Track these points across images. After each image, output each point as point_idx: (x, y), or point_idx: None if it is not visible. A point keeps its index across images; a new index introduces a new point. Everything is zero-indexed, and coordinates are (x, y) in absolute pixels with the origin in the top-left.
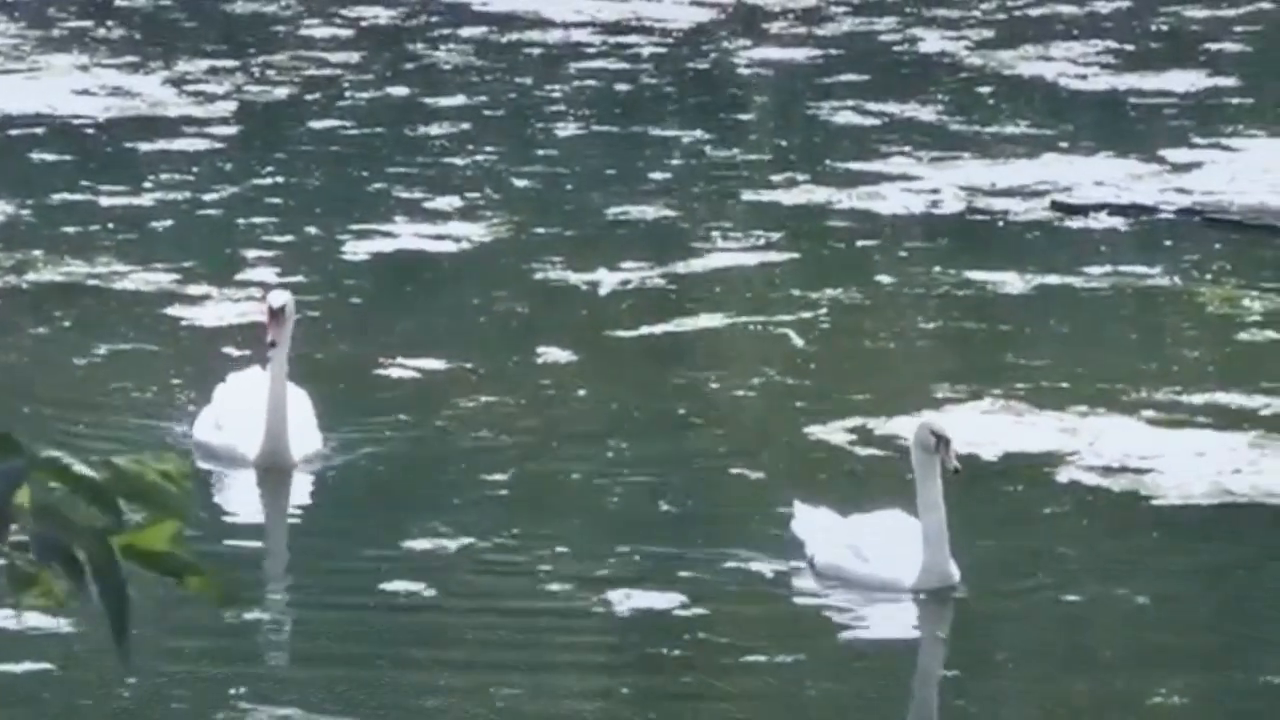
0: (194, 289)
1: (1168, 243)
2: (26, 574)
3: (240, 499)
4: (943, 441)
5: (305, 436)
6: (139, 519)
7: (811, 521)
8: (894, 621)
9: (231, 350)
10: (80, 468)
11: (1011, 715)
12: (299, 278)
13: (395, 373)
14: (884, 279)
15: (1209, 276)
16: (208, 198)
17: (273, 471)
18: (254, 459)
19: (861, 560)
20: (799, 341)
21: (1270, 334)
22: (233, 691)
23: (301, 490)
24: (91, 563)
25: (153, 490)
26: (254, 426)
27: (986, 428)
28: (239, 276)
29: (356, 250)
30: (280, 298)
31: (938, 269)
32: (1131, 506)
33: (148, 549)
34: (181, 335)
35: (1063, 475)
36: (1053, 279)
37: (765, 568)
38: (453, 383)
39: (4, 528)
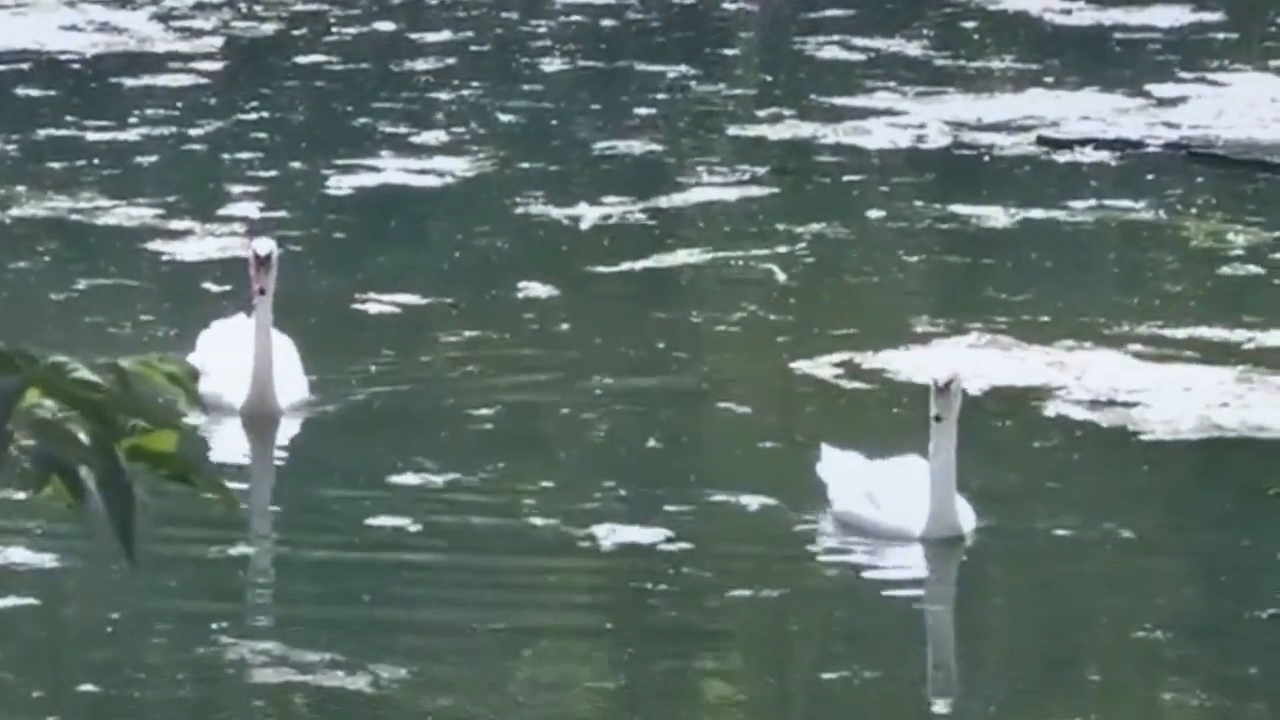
0: (177, 224)
1: (1154, 177)
2: (39, 476)
3: (226, 446)
4: (940, 390)
5: (291, 384)
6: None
7: (836, 465)
8: (872, 555)
9: (211, 285)
10: (84, 373)
11: (992, 652)
12: (282, 213)
13: (376, 308)
14: (870, 214)
15: (1194, 211)
16: (193, 133)
17: (258, 419)
18: (240, 407)
19: (874, 507)
20: (784, 276)
21: (1254, 268)
22: (214, 626)
23: (287, 434)
24: (95, 470)
25: (149, 407)
26: (239, 374)
27: (974, 362)
28: (222, 211)
29: (340, 185)
30: (266, 245)
31: (924, 203)
32: (1119, 441)
33: (155, 450)
34: (163, 270)
35: (1050, 409)
36: (1039, 213)
37: (751, 502)
38: (435, 318)
39: (4, 446)
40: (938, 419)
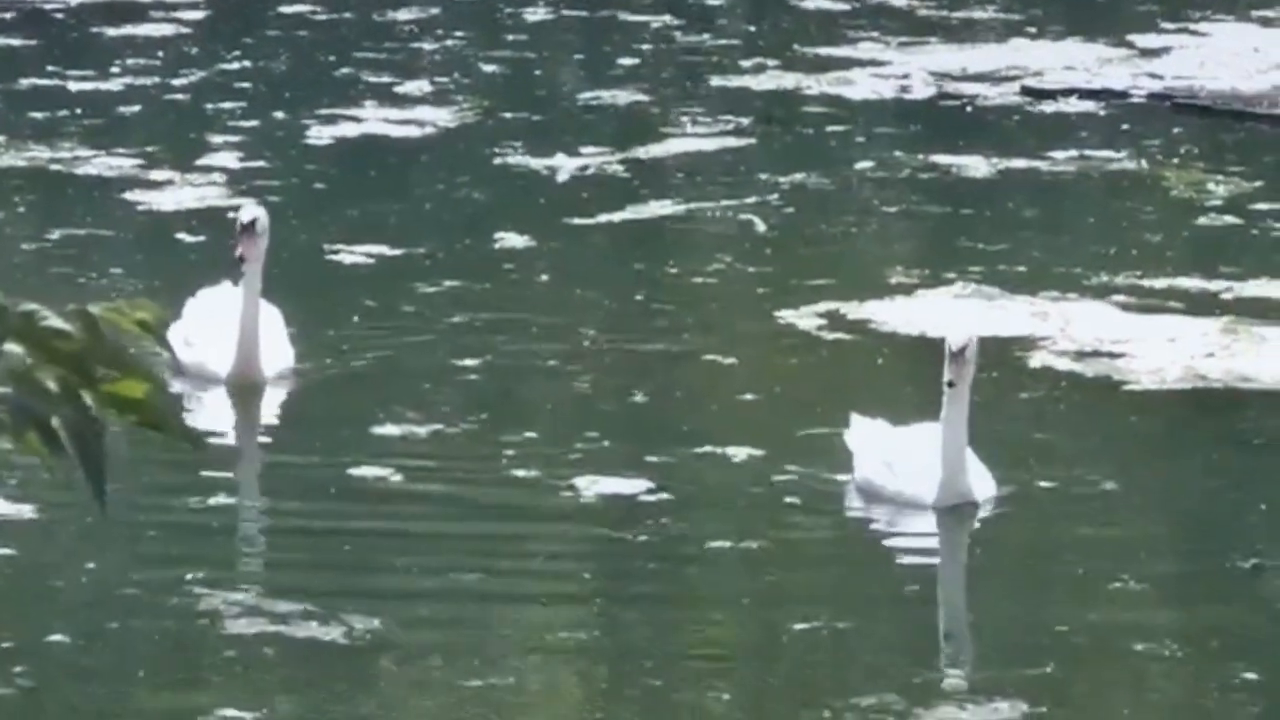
0: (156, 174)
1: (1137, 127)
2: (16, 427)
3: (210, 411)
4: (953, 356)
5: (277, 353)
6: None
7: (862, 434)
8: (852, 509)
9: (186, 236)
10: (55, 321)
11: (974, 602)
12: (262, 163)
13: (352, 259)
14: (854, 164)
15: (1176, 161)
16: (175, 83)
17: (243, 388)
18: (225, 376)
19: (891, 474)
20: (767, 227)
21: (1235, 219)
22: (190, 577)
23: (272, 399)
24: (65, 419)
25: (121, 355)
26: (225, 343)
27: (959, 312)
28: (201, 162)
29: (321, 135)
30: (251, 212)
31: (907, 154)
32: (1106, 391)
33: (123, 395)
34: (138, 220)
35: (1036, 360)
36: (1024, 163)
37: (733, 454)
38: (412, 269)
39: None
40: (950, 385)
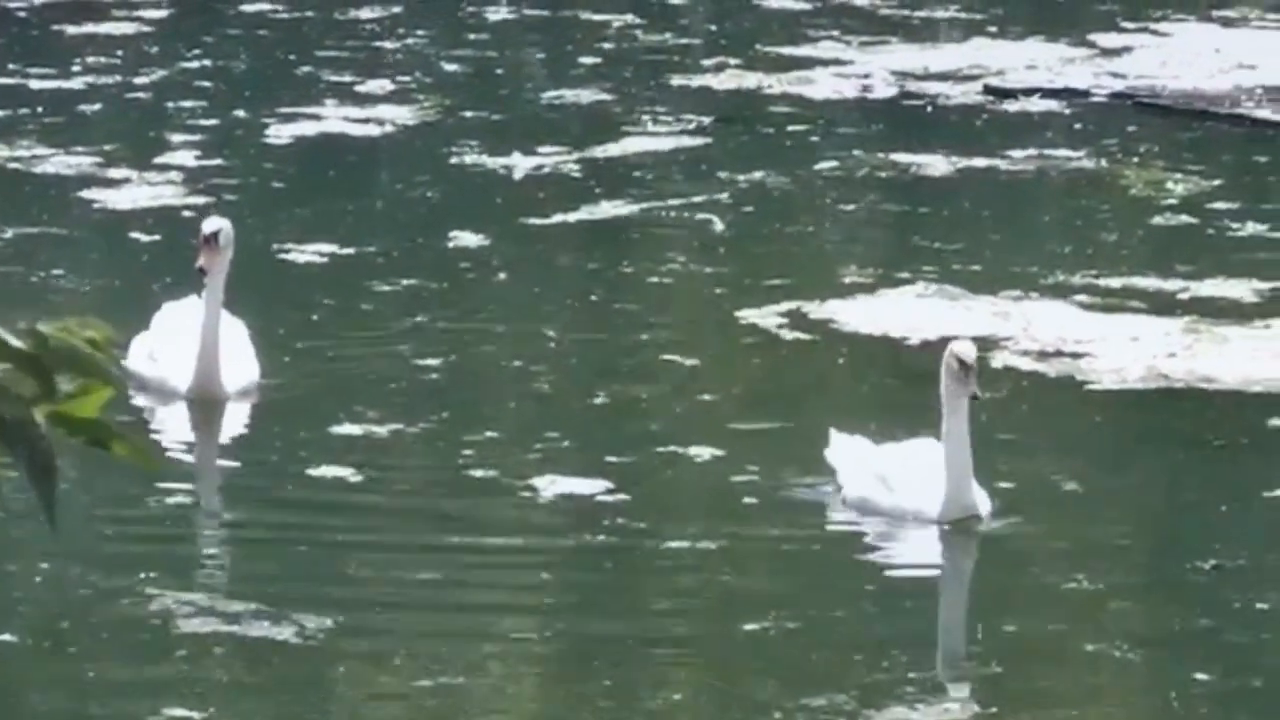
0: (114, 172)
1: (1100, 127)
2: None
3: (170, 426)
4: (967, 369)
5: (240, 367)
6: (70, 389)
7: (845, 450)
8: (810, 510)
9: (141, 235)
10: (7, 337)
11: (928, 602)
12: (220, 161)
13: (305, 258)
14: (817, 164)
15: (1136, 160)
16: (136, 81)
17: (205, 403)
18: (185, 390)
19: (888, 490)
20: (728, 227)
21: (1194, 218)
22: (142, 576)
23: (235, 410)
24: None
25: (84, 359)
26: (187, 357)
27: (922, 312)
28: (159, 160)
29: (281, 134)
30: (214, 224)
31: (869, 153)
32: (1068, 391)
33: (74, 416)
34: (95, 218)
35: (998, 360)
36: (984, 163)
37: (692, 454)
38: (367, 268)
39: None
40: (975, 398)
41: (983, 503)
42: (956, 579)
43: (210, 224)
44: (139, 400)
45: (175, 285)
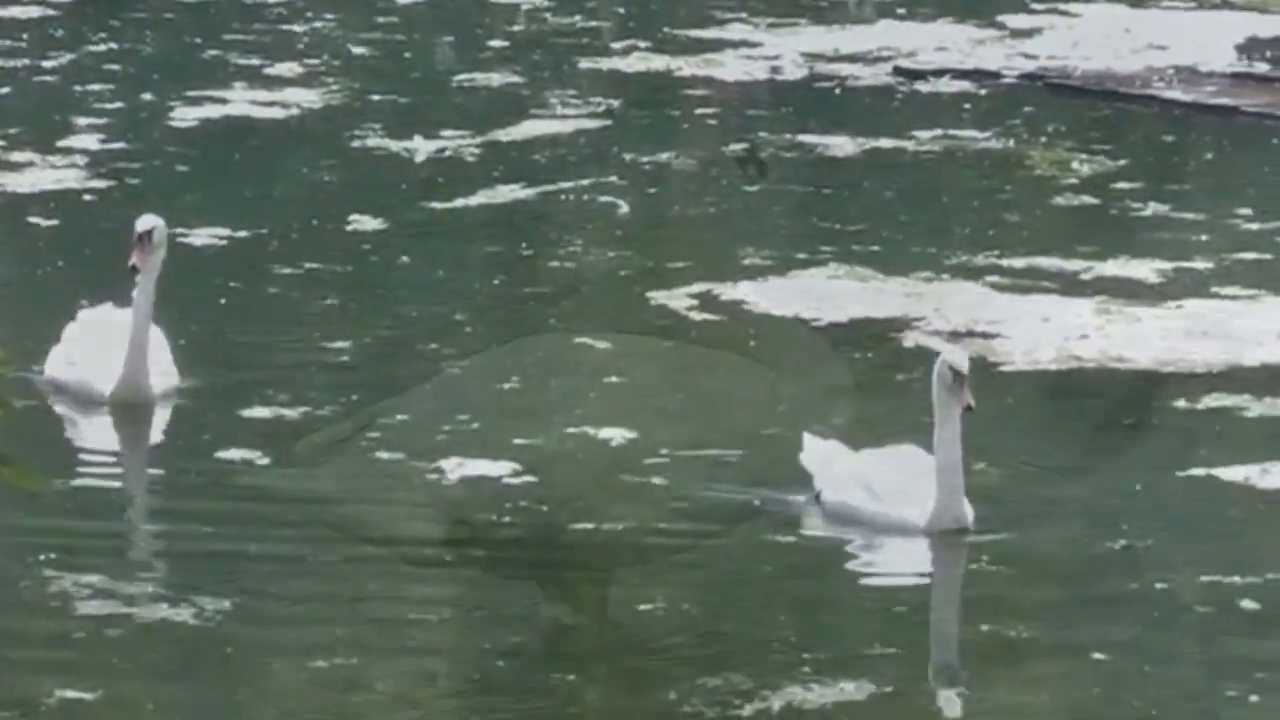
0: (16, 156)
1: (1010, 108)
2: None
3: (89, 431)
4: (960, 378)
5: (163, 372)
6: None
7: (820, 454)
8: (723, 492)
9: (40, 220)
10: None
11: (830, 580)
12: (124, 145)
13: (204, 241)
14: (725, 146)
15: (1043, 140)
16: (41, 65)
17: (129, 407)
18: (109, 394)
19: (874, 498)
20: (636, 209)
21: (1099, 199)
22: (41, 558)
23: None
24: None
25: None
26: (109, 362)
27: (834, 293)
28: (63, 144)
29: (186, 117)
30: (147, 222)
31: (779, 134)
32: (980, 371)
33: None
34: None
35: (910, 340)
36: (895, 144)
37: (600, 436)
38: (271, 251)
39: None
40: (969, 409)
41: (970, 513)
42: (858, 555)
43: (144, 222)
44: (58, 407)
45: (80, 280)
